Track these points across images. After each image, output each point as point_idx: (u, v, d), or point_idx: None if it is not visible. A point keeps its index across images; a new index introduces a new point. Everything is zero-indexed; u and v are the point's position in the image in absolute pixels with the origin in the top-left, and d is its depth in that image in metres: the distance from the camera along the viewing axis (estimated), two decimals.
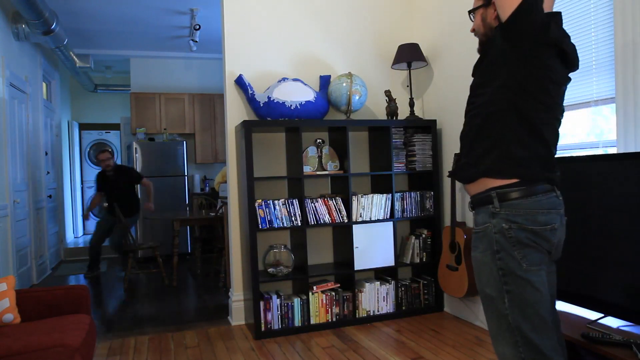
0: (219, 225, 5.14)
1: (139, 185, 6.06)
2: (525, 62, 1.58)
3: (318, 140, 3.77)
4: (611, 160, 2.11)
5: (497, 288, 1.63)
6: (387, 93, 3.85)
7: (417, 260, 3.82)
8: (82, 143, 9.13)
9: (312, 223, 3.54)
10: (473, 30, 1.85)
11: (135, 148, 6.78)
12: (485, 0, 1.77)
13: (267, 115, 3.57)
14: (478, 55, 1.83)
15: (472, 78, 1.80)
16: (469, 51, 3.48)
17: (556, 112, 1.66)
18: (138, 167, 6.81)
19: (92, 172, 8.73)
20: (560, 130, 1.71)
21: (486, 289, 1.66)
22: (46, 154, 6.36)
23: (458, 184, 3.61)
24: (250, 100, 3.61)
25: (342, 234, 3.75)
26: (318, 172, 3.67)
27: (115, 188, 5.68)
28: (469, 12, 1.86)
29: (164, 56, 7.39)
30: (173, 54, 7.36)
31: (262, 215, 3.43)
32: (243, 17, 3.75)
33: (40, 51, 6.11)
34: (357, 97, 3.66)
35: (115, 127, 9.17)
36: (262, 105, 3.56)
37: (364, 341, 3.29)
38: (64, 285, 4.55)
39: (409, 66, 3.90)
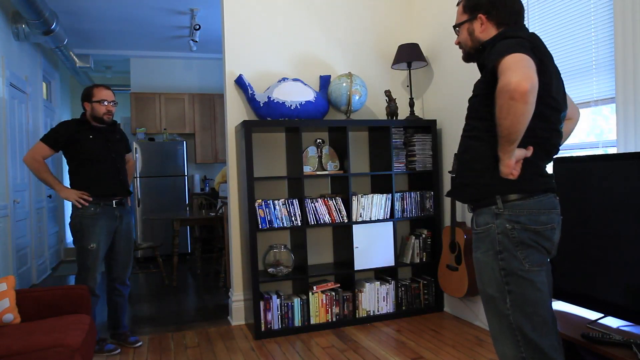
0: (219, 225, 5.14)
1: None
2: None
3: (318, 140, 3.77)
4: (611, 160, 2.11)
5: (498, 288, 1.64)
6: (387, 93, 3.85)
7: (417, 260, 3.81)
8: None
9: (312, 223, 3.54)
10: (458, 43, 1.87)
11: (136, 148, 6.78)
12: (471, 15, 1.77)
13: (267, 115, 3.57)
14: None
15: (471, 84, 1.80)
16: None
17: (555, 138, 1.69)
18: (138, 167, 6.80)
19: None
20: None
21: (488, 289, 1.67)
22: None
23: None
24: (250, 100, 3.61)
25: (342, 234, 3.74)
26: (318, 172, 3.67)
27: (108, 154, 3.23)
28: (454, 27, 1.86)
29: (164, 56, 7.39)
30: (173, 54, 7.36)
31: (262, 215, 3.43)
32: (243, 17, 3.75)
33: (40, 51, 6.11)
34: (357, 97, 3.66)
35: None
36: (262, 105, 3.56)
37: (364, 341, 3.29)
38: (64, 285, 4.55)
39: (409, 66, 3.90)
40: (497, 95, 1.48)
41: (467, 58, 1.88)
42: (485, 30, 1.74)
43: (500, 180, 1.62)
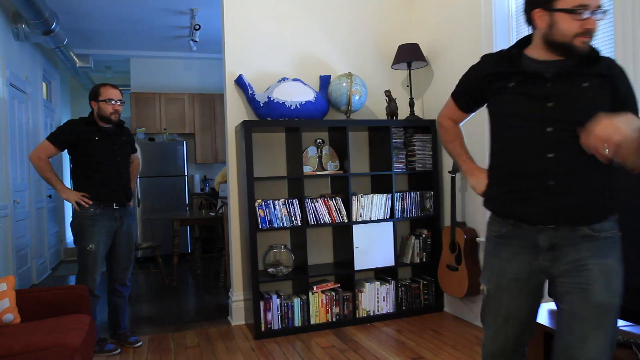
0: (219, 225, 5.14)
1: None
2: None
3: (318, 140, 3.77)
4: None
5: (619, 298, 1.59)
6: (387, 93, 3.85)
7: (417, 260, 3.81)
8: None
9: (312, 223, 3.54)
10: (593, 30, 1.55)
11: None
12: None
13: (267, 115, 3.57)
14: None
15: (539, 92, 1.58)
16: (469, 51, 3.48)
17: None
18: None
19: None
20: None
21: (615, 299, 1.58)
22: None
23: (458, 184, 3.60)
24: (250, 100, 3.61)
25: (342, 234, 3.74)
26: (318, 172, 3.67)
27: (113, 158, 3.22)
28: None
29: (164, 56, 7.38)
30: (173, 54, 7.36)
31: (262, 215, 3.43)
32: (243, 17, 3.75)
33: (40, 51, 6.11)
34: (357, 97, 3.66)
35: None
36: (262, 105, 3.56)
37: (364, 341, 3.29)
38: (64, 285, 4.55)
39: (409, 66, 3.90)
40: None
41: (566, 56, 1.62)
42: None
43: (612, 200, 1.63)
